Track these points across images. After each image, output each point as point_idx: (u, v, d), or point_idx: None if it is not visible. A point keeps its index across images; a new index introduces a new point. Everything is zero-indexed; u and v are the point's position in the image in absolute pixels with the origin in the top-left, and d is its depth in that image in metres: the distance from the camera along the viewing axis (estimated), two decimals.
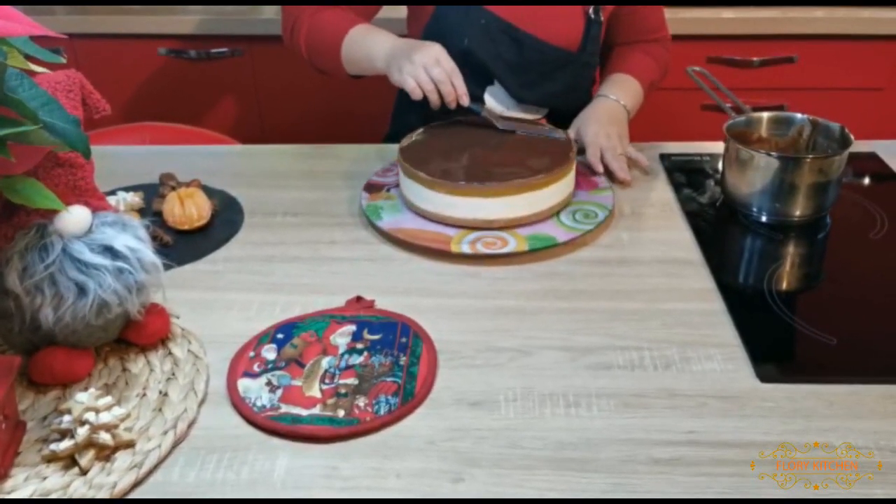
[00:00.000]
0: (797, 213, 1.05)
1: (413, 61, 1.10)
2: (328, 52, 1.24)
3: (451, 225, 1.03)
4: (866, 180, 1.21)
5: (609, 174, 1.17)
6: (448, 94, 1.10)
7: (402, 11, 1.37)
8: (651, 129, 1.75)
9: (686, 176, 1.21)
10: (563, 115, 1.30)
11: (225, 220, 1.09)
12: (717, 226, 1.09)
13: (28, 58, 0.70)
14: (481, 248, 0.99)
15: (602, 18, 1.30)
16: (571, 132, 1.24)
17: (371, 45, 1.19)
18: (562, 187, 1.06)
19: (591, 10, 1.28)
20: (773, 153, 1.05)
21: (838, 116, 1.11)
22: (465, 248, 0.99)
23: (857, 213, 1.10)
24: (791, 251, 1.03)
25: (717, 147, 1.20)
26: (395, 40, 1.17)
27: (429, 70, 1.09)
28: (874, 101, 1.93)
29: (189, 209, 1.05)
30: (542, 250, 0.99)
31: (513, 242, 1.00)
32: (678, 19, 1.85)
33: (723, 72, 1.88)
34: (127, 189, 1.14)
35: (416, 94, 1.10)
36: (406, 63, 1.11)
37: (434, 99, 1.10)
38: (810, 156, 1.08)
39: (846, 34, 1.86)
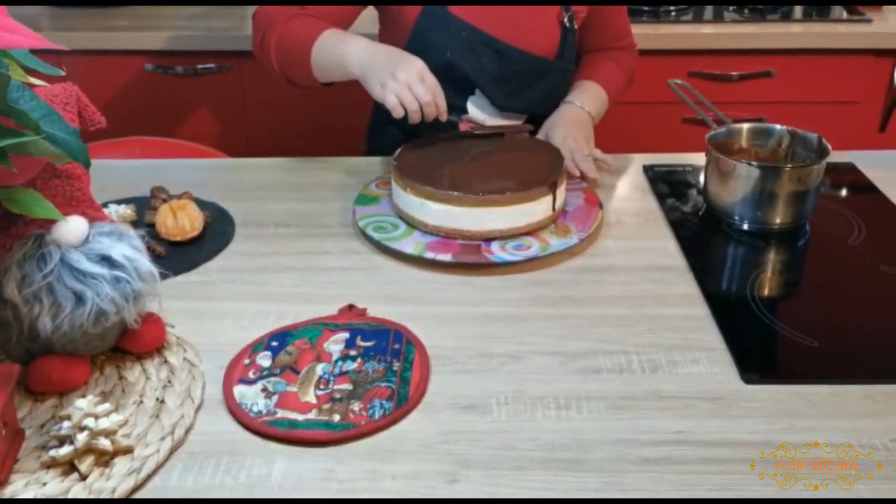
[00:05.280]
0: (777, 220, 1.08)
1: (397, 78, 1.08)
2: (298, 58, 1.21)
3: (449, 237, 1.05)
4: (844, 190, 1.24)
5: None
6: (430, 115, 1.09)
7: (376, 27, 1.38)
8: (634, 141, 1.79)
9: (669, 186, 1.23)
10: (542, 121, 1.34)
11: (217, 231, 1.10)
12: (701, 234, 1.11)
13: (28, 70, 0.71)
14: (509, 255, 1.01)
15: (576, 27, 1.34)
16: (540, 136, 1.29)
17: (344, 49, 1.16)
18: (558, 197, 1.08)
19: (566, 19, 1.32)
20: (753, 163, 1.08)
21: (816, 129, 1.14)
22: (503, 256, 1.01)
23: (836, 221, 1.13)
24: (772, 258, 1.06)
25: (699, 158, 1.23)
26: (369, 46, 1.15)
27: (413, 88, 1.08)
28: (850, 114, 1.97)
29: (182, 221, 1.06)
30: (534, 260, 1.01)
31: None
32: (659, 35, 1.89)
33: (703, 86, 1.92)
34: (118, 202, 1.15)
35: (398, 112, 1.08)
36: (388, 79, 1.09)
37: (416, 118, 1.09)
38: (789, 165, 1.11)
39: (823, 48, 1.90)
